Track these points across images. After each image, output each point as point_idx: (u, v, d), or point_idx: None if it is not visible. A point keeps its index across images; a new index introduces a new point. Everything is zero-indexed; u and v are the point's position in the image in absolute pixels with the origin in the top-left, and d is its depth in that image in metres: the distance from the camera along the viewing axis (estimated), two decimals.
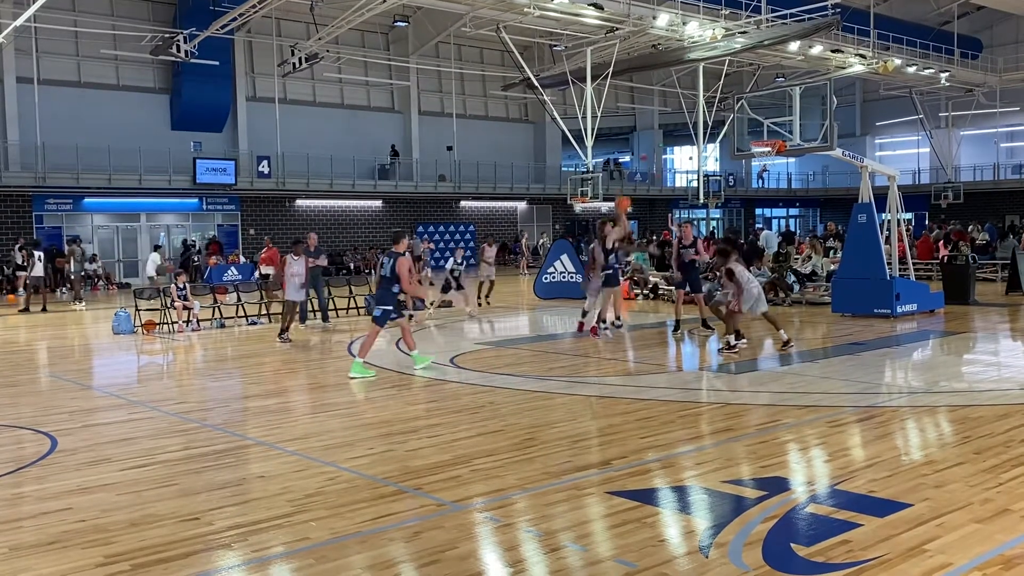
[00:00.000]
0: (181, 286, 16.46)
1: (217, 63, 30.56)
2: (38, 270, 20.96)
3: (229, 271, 26.40)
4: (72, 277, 23.67)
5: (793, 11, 29.22)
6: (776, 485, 5.84)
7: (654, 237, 31.49)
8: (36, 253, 20.93)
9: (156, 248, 29.01)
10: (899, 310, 15.50)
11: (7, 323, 18.75)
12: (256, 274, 21.88)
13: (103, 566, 4.63)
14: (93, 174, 30.13)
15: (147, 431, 7.97)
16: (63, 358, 13.57)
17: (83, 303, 22.47)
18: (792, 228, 47.28)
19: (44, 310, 20.66)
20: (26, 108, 30.13)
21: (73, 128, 30.20)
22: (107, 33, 31.11)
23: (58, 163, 29.68)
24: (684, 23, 27.97)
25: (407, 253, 10.96)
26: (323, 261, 16.81)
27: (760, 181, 50.14)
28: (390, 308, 10.69)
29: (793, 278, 19.01)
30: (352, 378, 10.34)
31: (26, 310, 20.61)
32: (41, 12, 22.94)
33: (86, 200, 31.47)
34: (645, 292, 21.14)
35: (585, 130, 28.47)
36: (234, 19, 26.66)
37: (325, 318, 16.81)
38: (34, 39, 29.72)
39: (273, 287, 18.27)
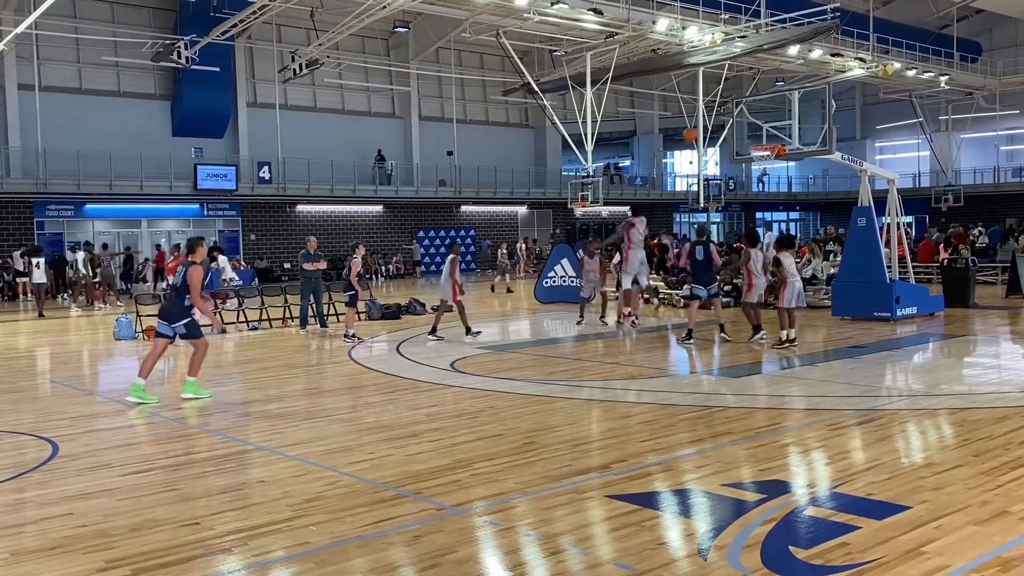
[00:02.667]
0: None
1: (218, 69, 30.66)
2: (38, 276, 20.97)
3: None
4: (84, 282, 23.89)
5: (792, 15, 29.27)
6: (775, 488, 5.85)
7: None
8: (35, 260, 20.94)
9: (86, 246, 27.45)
10: (899, 313, 15.51)
11: (8, 329, 18.76)
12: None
13: (104, 571, 4.65)
14: (94, 180, 30.22)
15: (148, 436, 7.98)
16: (64, 364, 13.59)
17: (83, 307, 22.63)
18: (792, 231, 47.29)
19: (41, 315, 20.61)
20: (27, 115, 30.20)
21: (74, 135, 30.28)
22: (108, 40, 31.23)
23: (59, 169, 29.76)
24: (683, 28, 28.03)
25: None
26: (322, 265, 16.84)
27: (760, 185, 50.18)
28: (187, 320, 9.45)
29: None
30: (185, 399, 9.62)
31: (42, 316, 20.57)
32: (42, 19, 22.99)
33: (87, 206, 31.55)
34: (645, 296, 21.09)
35: (585, 134, 28.52)
36: (234, 25, 26.74)
37: (323, 323, 16.82)
38: (35, 46, 29.82)
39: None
